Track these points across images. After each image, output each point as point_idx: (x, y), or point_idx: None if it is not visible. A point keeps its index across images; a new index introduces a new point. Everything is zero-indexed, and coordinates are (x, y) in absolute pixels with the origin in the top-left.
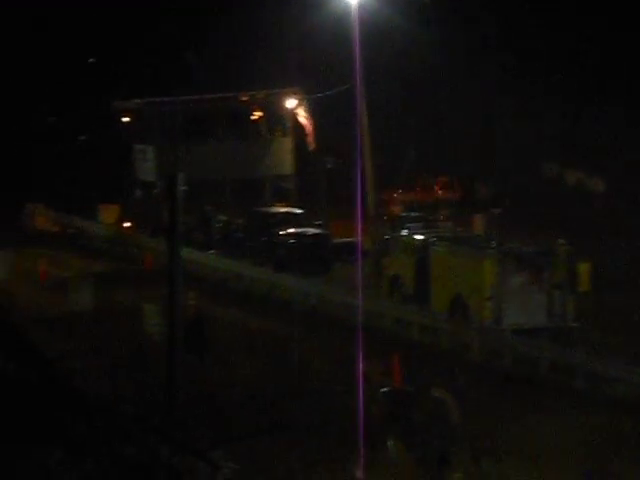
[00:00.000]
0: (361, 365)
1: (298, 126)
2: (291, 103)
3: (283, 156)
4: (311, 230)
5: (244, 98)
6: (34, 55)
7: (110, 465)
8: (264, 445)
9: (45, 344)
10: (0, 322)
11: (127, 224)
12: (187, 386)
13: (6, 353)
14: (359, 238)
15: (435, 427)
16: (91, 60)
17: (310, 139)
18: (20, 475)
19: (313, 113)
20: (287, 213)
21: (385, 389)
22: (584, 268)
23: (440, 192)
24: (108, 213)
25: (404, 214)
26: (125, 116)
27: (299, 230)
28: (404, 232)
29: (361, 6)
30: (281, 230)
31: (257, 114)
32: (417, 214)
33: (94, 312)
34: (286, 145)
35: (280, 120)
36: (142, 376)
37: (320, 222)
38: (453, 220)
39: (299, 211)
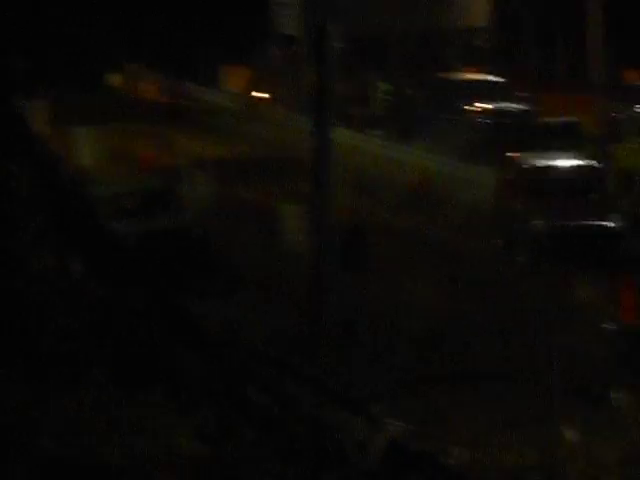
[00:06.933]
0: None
1: None
2: None
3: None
4: (513, 106)
5: None
6: None
7: (234, 417)
8: (441, 398)
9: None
10: (88, 224)
11: (260, 93)
12: (339, 317)
13: (89, 259)
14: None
15: None
16: None
17: None
18: (116, 429)
19: None
20: (480, 81)
21: (612, 325)
22: None
23: None
24: (235, 78)
25: None
26: None
27: (496, 106)
28: None
29: None
30: (470, 105)
31: None
32: None
33: (214, 211)
34: None
35: None
36: (284, 302)
37: (525, 94)
38: None
39: (496, 79)
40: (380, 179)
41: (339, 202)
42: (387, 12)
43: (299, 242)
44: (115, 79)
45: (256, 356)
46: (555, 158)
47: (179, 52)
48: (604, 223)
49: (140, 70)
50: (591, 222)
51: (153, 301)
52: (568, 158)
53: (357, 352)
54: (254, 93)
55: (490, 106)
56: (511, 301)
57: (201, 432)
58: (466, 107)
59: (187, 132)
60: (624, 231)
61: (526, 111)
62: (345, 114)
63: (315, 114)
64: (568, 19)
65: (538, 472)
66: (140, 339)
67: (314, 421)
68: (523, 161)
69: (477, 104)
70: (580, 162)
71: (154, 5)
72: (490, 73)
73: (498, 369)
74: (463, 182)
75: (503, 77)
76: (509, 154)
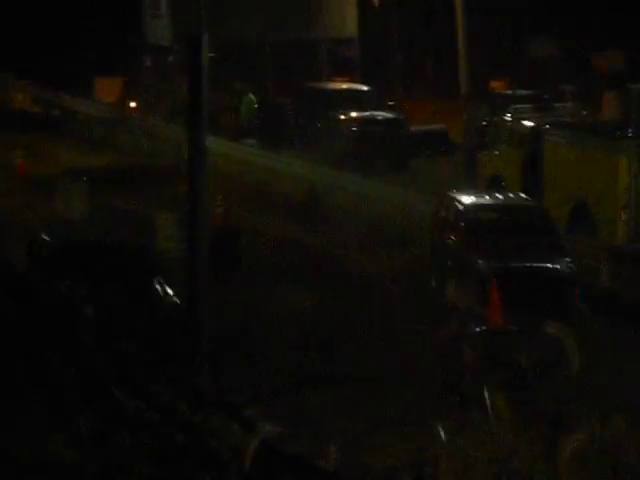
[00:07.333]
0: (447, 293)
1: None
2: None
3: (344, 12)
4: (381, 114)
5: None
6: None
7: (109, 424)
8: (314, 401)
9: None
10: None
11: (133, 104)
12: (212, 321)
13: None
14: (446, 125)
15: (548, 376)
16: None
17: None
18: None
19: None
20: (349, 91)
21: (482, 327)
22: None
23: None
24: (107, 89)
25: (509, 91)
26: None
27: (365, 114)
28: (509, 116)
29: None
30: (341, 114)
31: None
32: (528, 92)
33: (87, 221)
34: None
35: None
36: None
37: (393, 103)
38: (576, 100)
39: (365, 88)
40: (253, 187)
41: (213, 209)
42: (260, 23)
43: (173, 249)
44: None
45: (131, 362)
46: (498, 198)
47: (53, 63)
48: (551, 266)
49: (12, 81)
50: (537, 264)
51: (27, 308)
52: (513, 198)
53: (231, 357)
54: (127, 103)
55: (360, 115)
56: (386, 309)
57: (75, 438)
58: (337, 116)
59: (60, 142)
60: (573, 274)
61: (396, 119)
62: (217, 123)
63: (189, 123)
64: (438, 31)
65: (410, 471)
66: (14, 347)
67: (188, 425)
68: (461, 199)
69: (347, 113)
70: (525, 202)
71: (28, 16)
72: (360, 82)
73: (372, 372)
74: (333, 189)
75: (373, 86)
76: (448, 193)
